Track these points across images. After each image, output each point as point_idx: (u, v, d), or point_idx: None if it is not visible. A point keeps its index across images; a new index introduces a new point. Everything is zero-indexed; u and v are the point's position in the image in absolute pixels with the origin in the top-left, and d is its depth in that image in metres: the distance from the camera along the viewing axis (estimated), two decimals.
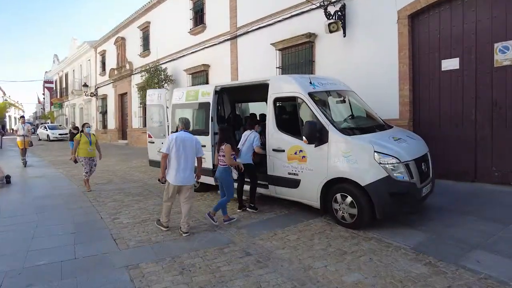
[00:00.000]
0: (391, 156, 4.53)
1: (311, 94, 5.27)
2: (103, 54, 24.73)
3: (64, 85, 34.79)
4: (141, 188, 8.01)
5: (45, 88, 42.63)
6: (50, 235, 4.83)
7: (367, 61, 8.26)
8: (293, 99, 5.46)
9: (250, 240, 4.45)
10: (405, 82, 7.69)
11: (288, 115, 6.24)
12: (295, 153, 5.32)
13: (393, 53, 7.81)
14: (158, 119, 8.21)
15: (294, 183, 5.38)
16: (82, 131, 7.86)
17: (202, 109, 6.81)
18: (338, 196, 4.89)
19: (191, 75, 14.51)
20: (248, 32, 11.55)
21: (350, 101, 5.97)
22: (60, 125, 31.57)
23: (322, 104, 5.35)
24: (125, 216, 5.72)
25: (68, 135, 15.19)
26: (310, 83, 5.50)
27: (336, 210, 4.95)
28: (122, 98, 22.21)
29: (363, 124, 5.66)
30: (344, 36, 8.66)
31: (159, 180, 5.06)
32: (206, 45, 13.59)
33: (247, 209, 5.82)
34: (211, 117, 6.55)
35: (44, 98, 47.48)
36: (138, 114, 19.17)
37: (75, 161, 7.75)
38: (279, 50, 10.31)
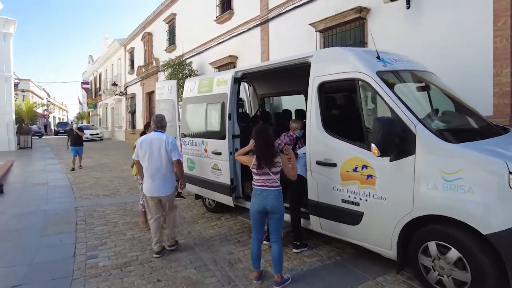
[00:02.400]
0: None
1: (381, 75, 3.28)
2: (131, 52, 24.04)
3: (98, 85, 35.01)
4: None
5: (83, 89, 43.57)
6: None
7: (441, 38, 6.03)
8: (350, 83, 3.48)
9: None
10: (504, 63, 5.38)
11: (340, 109, 4.27)
12: (355, 170, 3.35)
13: (485, 24, 5.53)
14: (168, 117, 6.54)
15: (352, 217, 3.42)
16: (142, 133, 5.06)
17: (218, 103, 5.02)
18: (432, 245, 2.88)
19: (216, 69, 12.88)
20: (282, 13, 9.64)
21: (434, 89, 3.88)
22: (92, 125, 31.63)
23: (401, 91, 3.33)
24: (106, 253, 4.08)
25: (69, 136, 11.50)
26: (378, 58, 3.51)
27: (427, 268, 2.95)
28: (150, 96, 21.23)
29: (466, 125, 3.56)
30: (408, 7, 6.49)
31: (179, 194, 4.54)
32: (234, 34, 11.88)
33: (294, 250, 3.97)
34: (229, 114, 4.74)
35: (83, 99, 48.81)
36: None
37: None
38: (320, 31, 8.30)
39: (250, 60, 10.95)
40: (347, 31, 7.68)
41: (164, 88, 6.63)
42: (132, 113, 24.53)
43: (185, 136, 5.82)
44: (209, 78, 5.30)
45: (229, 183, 4.82)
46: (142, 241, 4.47)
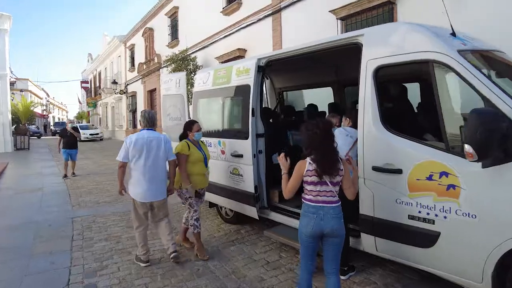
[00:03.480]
0: None
1: (464, 55, 2.51)
2: (132, 49, 23.25)
3: (97, 84, 34.23)
4: None
5: (82, 88, 42.73)
6: None
7: (486, 23, 5.22)
8: (421, 66, 2.71)
9: None
10: None
11: (405, 100, 3.47)
12: (429, 178, 2.59)
13: None
14: (176, 115, 5.80)
15: (423, 238, 2.66)
16: (185, 136, 3.96)
17: (238, 97, 4.26)
18: None
19: (223, 63, 12.08)
20: (296, 1, 8.86)
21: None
22: (92, 125, 30.85)
23: (491, 75, 2.55)
24: (107, 281, 3.31)
25: (62, 138, 9.59)
26: (453, 35, 2.74)
27: None
28: (151, 94, 20.47)
29: None
30: None
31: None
32: (242, 25, 11.09)
33: (341, 277, 3.20)
34: (252, 109, 3.97)
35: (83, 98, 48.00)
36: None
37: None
38: (341, 19, 7.52)
39: (260, 53, 10.17)
40: (373, 17, 6.88)
41: (171, 81, 5.85)
42: (133, 112, 23.77)
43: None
44: (226, 67, 4.52)
45: (252, 191, 4.05)
46: (152, 262, 3.70)
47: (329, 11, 7.60)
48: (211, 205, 5.35)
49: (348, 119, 3.48)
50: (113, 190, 7.65)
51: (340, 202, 2.45)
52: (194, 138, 3.92)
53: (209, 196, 5.01)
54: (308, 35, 8.30)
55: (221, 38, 12.33)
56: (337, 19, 7.56)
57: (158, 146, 3.56)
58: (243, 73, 4.12)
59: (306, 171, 2.44)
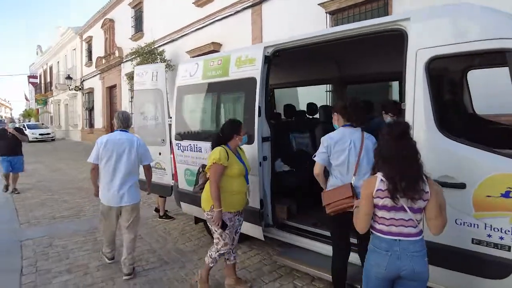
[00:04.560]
0: None
1: None
2: (89, 41, 21.32)
3: (48, 79, 31.22)
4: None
5: (30, 83, 38.86)
6: None
7: None
8: (490, 57, 2.20)
9: None
10: None
11: (463, 100, 2.94)
12: (505, 195, 2.08)
13: None
14: (153, 113, 4.92)
15: (494, 267, 2.16)
16: (221, 139, 2.95)
17: (239, 92, 3.55)
18: None
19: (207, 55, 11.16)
20: None
21: None
22: (42, 124, 28.01)
23: None
24: None
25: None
26: None
27: None
28: (111, 91, 18.84)
29: None
30: None
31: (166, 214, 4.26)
32: (217, 17, 10.29)
33: None
34: (258, 108, 3.27)
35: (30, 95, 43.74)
36: (130, 109, 15.82)
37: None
38: (330, 13, 7.04)
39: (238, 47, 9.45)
40: (367, 12, 6.48)
41: (146, 74, 4.95)
42: (90, 110, 21.82)
43: (181, 138, 4.24)
44: (222, 57, 3.76)
45: (257, 206, 3.35)
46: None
47: (318, 4, 7.09)
48: (197, 220, 4.56)
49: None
50: (72, 201, 6.52)
51: (422, 235, 1.85)
52: (240, 144, 2.99)
53: (195, 210, 4.24)
54: (293, 30, 7.72)
55: (192, 31, 11.41)
56: (326, 12, 7.08)
57: (130, 149, 3.35)
58: (247, 64, 3.40)
59: (377, 190, 1.82)
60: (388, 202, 1.82)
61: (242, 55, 3.48)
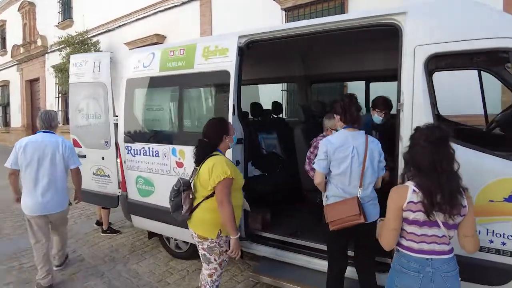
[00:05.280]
0: None
1: None
2: (2, 26, 18.39)
3: None
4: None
5: None
6: None
7: None
8: (491, 57, 2.09)
9: None
10: None
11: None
12: (509, 200, 2.00)
13: None
14: (95, 111, 4.16)
15: (495, 274, 2.10)
16: (211, 145, 2.33)
17: (208, 88, 3.09)
18: None
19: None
20: None
21: None
22: None
23: None
24: None
25: None
26: None
27: None
28: (32, 85, 16.48)
29: None
30: None
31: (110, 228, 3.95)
32: (161, 8, 9.48)
33: None
34: (233, 106, 2.85)
35: None
36: (57, 106, 13.93)
37: None
38: (286, 10, 6.86)
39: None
40: (323, 10, 6.41)
41: (85, 64, 4.15)
42: (4, 106, 18.87)
43: (132, 140, 3.61)
44: (185, 46, 3.23)
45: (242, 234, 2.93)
46: None
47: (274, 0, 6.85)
48: (151, 235, 3.96)
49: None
50: None
51: (453, 252, 1.63)
52: (231, 146, 2.46)
53: (150, 224, 3.67)
54: (246, 25, 7.40)
55: (132, 21, 10.38)
56: (281, 9, 6.87)
57: (54, 152, 3.08)
58: (217, 55, 2.94)
59: (408, 203, 1.58)
60: (420, 216, 1.59)
61: (211, 44, 3.01)
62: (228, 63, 2.86)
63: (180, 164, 3.24)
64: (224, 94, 2.90)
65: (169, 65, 3.28)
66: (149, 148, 3.45)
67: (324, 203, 2.27)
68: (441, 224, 1.59)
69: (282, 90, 6.89)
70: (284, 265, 2.90)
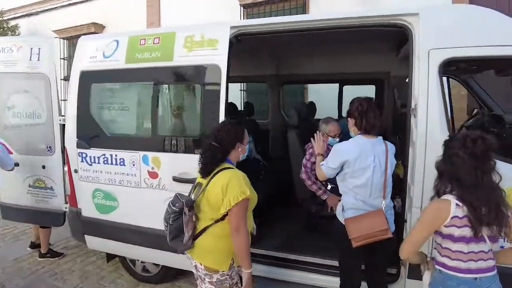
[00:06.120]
0: None
1: None
2: None
3: None
4: None
5: None
6: None
7: None
8: (504, 63, 2.10)
9: None
10: None
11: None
12: None
13: None
14: (31, 110, 3.36)
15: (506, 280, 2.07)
16: (222, 153, 1.88)
17: (192, 85, 2.66)
18: None
19: (67, 41, 8.95)
20: None
21: None
22: None
23: None
24: None
25: None
26: None
27: None
28: None
29: None
30: None
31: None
32: None
33: None
34: (224, 105, 2.48)
35: None
36: None
37: None
38: (245, 6, 6.58)
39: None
40: (285, 10, 6.28)
41: (18, 50, 3.30)
42: None
43: (87, 146, 2.97)
44: (160, 34, 2.72)
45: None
46: None
47: None
48: (110, 257, 3.34)
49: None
50: None
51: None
52: (242, 157, 2.01)
53: (112, 246, 3.08)
54: (199, 17, 6.94)
55: (64, 5, 9.08)
56: (240, 4, 6.57)
57: None
58: (204, 47, 2.52)
59: (452, 218, 1.44)
60: (467, 232, 1.46)
61: (195, 34, 2.58)
62: (219, 56, 2.47)
63: (153, 175, 2.74)
64: (212, 92, 2.50)
65: (139, 56, 2.74)
66: (111, 155, 2.86)
67: (342, 216, 2.05)
68: (487, 239, 1.49)
69: (240, 90, 6.60)
70: (283, 283, 2.62)
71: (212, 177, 1.82)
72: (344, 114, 4.29)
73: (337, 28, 2.46)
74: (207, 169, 1.84)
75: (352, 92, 4.10)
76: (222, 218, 1.80)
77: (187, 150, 2.62)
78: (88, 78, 2.96)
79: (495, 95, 3.17)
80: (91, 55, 2.96)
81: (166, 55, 2.65)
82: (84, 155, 2.99)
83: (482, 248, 1.49)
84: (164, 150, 2.68)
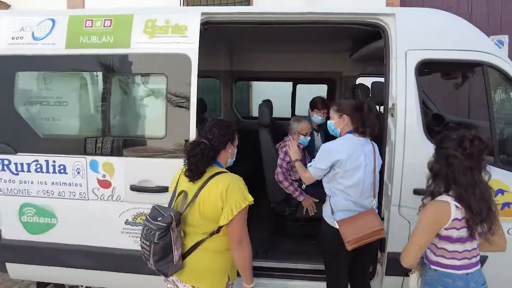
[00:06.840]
0: None
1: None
2: None
3: None
4: None
5: None
6: None
7: None
8: (468, 68, 2.25)
9: None
10: None
11: (453, 105, 2.90)
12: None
13: None
14: None
15: None
16: (213, 156, 1.61)
17: (154, 77, 2.28)
18: None
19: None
20: None
21: None
22: None
23: None
24: None
25: None
26: None
27: None
28: None
29: None
30: None
31: None
32: None
33: None
34: (195, 100, 2.18)
35: None
36: None
37: None
38: None
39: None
40: (229, 3, 6.02)
41: None
42: None
43: (13, 150, 2.35)
44: (112, 15, 2.26)
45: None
46: None
47: None
48: (42, 286, 2.73)
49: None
50: None
51: None
52: (229, 162, 1.76)
53: (47, 273, 2.52)
54: (132, 3, 6.30)
55: None
56: None
57: None
58: (170, 33, 2.16)
59: (453, 220, 1.47)
60: (464, 233, 1.50)
61: (158, 18, 2.20)
62: (188, 45, 2.15)
63: (105, 184, 2.28)
64: (180, 85, 2.18)
65: (84, 41, 2.24)
66: (47, 161, 2.30)
67: (333, 218, 1.96)
68: (477, 236, 1.55)
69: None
70: None
71: (203, 184, 1.55)
72: (297, 113, 4.28)
73: (313, 23, 2.37)
74: (198, 171, 1.56)
75: (306, 91, 4.13)
76: (218, 230, 1.55)
77: (149, 154, 2.25)
78: (10, 65, 2.33)
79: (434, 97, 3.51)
80: (13, 35, 2.33)
81: (121, 41, 2.22)
82: (5, 162, 2.36)
83: (474, 246, 1.56)
84: (119, 154, 2.25)
